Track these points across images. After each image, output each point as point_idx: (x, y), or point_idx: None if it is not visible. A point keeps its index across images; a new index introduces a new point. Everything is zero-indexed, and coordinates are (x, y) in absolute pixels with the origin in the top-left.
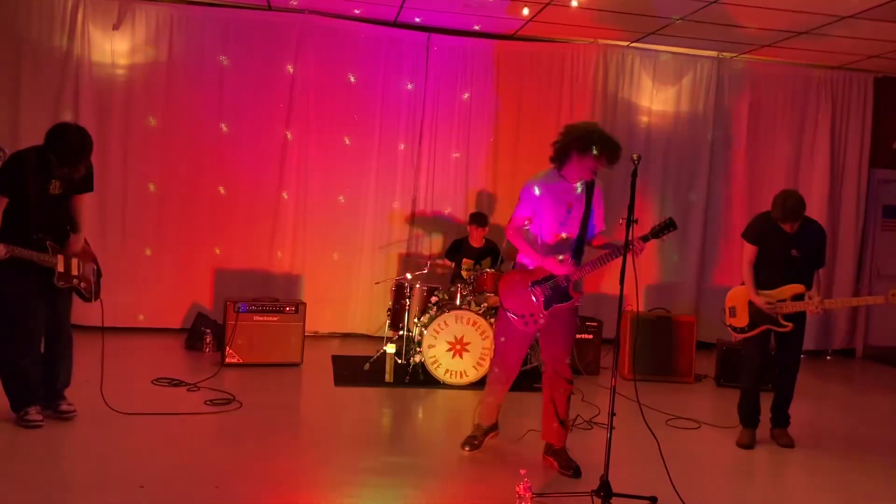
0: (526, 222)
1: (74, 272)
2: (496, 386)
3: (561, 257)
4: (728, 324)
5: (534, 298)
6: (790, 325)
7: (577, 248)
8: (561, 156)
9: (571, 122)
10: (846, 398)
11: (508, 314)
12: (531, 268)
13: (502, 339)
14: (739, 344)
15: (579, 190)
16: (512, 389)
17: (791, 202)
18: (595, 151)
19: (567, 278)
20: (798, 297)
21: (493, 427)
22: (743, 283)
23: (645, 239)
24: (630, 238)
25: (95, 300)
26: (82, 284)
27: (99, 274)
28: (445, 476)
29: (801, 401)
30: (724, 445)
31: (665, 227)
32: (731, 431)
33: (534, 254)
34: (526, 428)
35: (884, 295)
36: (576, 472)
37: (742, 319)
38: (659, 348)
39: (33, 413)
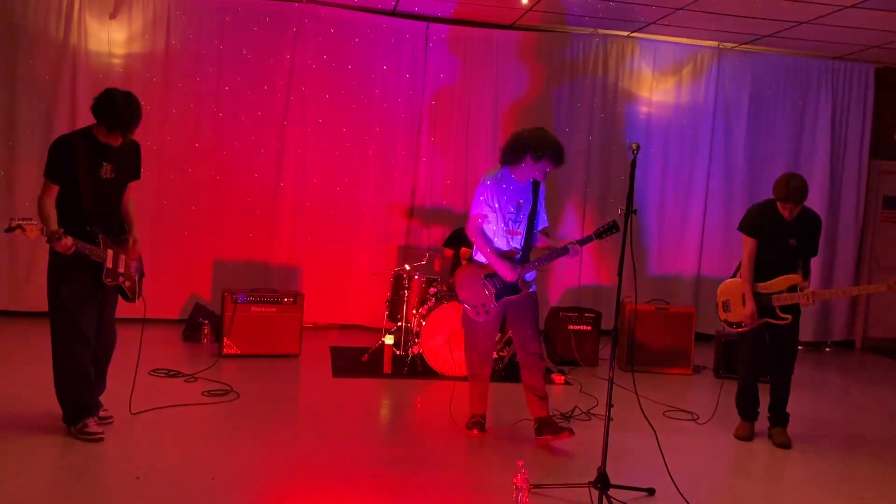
0: (481, 220)
1: (121, 269)
2: (477, 372)
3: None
4: (723, 318)
5: (486, 291)
6: (789, 317)
7: (525, 244)
8: (512, 158)
9: (571, 111)
10: (845, 390)
11: (464, 305)
12: (484, 262)
13: (468, 337)
14: (736, 335)
15: (527, 188)
16: (506, 380)
17: (795, 182)
18: (549, 157)
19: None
20: (794, 289)
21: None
22: (734, 276)
23: (582, 243)
24: (628, 228)
25: (137, 300)
26: (127, 283)
27: (142, 273)
28: (443, 467)
29: (800, 393)
30: (722, 437)
31: (608, 230)
32: (729, 423)
33: (492, 256)
34: (520, 418)
35: (886, 283)
36: (570, 430)
37: (737, 316)
38: (657, 339)
39: (93, 425)
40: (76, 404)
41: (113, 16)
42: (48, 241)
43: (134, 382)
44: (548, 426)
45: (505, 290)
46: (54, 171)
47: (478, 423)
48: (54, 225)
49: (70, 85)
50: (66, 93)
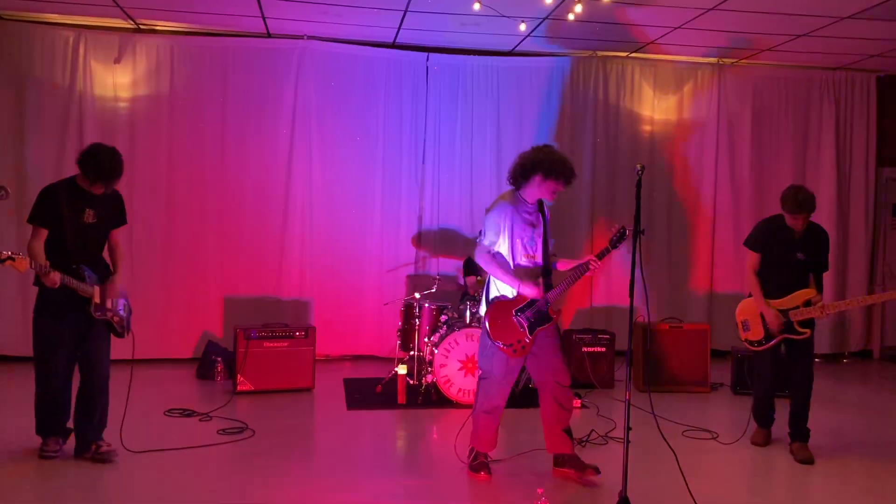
0: (491, 248)
1: (108, 305)
2: (486, 420)
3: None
4: (743, 338)
5: (518, 325)
6: (808, 331)
7: (543, 265)
8: (522, 178)
9: (574, 133)
10: (865, 401)
11: (498, 345)
12: (510, 297)
13: (488, 373)
14: (753, 351)
15: (535, 209)
16: (521, 406)
17: (802, 194)
18: (556, 175)
19: (546, 300)
20: (809, 303)
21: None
22: (750, 295)
23: (600, 256)
24: (637, 249)
25: (127, 335)
26: (115, 318)
27: (129, 310)
28: (462, 498)
29: (820, 406)
30: (743, 455)
31: (620, 237)
32: (749, 440)
33: (512, 279)
34: (537, 444)
35: None
36: (596, 469)
37: (757, 332)
38: (673, 358)
39: (51, 443)
40: (41, 424)
41: (117, 60)
42: (39, 276)
43: (123, 420)
44: (573, 462)
45: (537, 321)
46: (39, 216)
47: (484, 464)
48: (42, 260)
49: (77, 129)
50: (73, 137)
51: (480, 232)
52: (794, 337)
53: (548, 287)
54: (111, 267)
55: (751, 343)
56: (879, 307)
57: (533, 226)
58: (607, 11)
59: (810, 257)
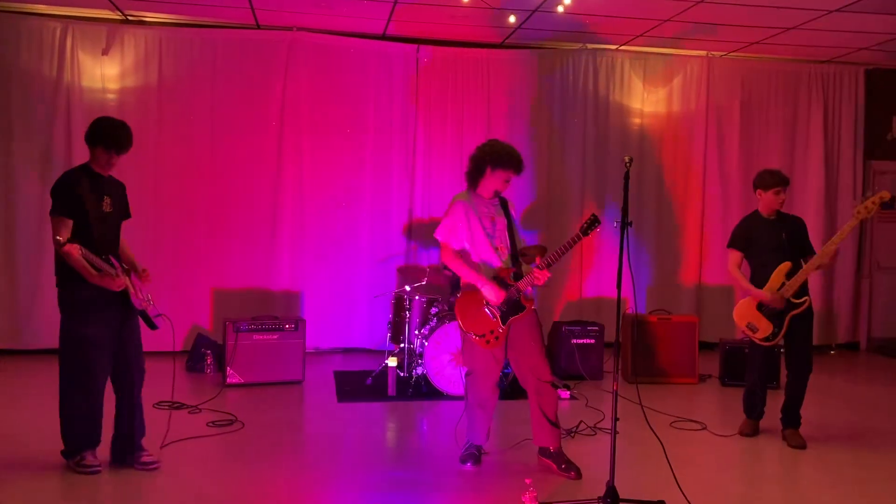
0: (453, 245)
1: (141, 295)
2: (478, 413)
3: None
4: (757, 339)
5: (490, 316)
6: (806, 298)
7: (512, 256)
8: (475, 174)
9: (564, 126)
10: (853, 392)
11: (470, 335)
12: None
13: (471, 368)
14: (745, 343)
15: (496, 205)
16: (511, 398)
17: (774, 169)
18: (503, 163)
19: (517, 289)
20: (791, 274)
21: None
22: (745, 296)
23: (570, 244)
24: (625, 240)
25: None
26: (150, 308)
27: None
28: (451, 489)
29: (808, 397)
30: (730, 446)
31: (591, 225)
32: (737, 431)
33: (476, 277)
34: (526, 436)
35: (855, 218)
36: (578, 472)
37: (765, 328)
38: (662, 350)
39: (90, 458)
40: (78, 438)
41: (105, 52)
42: (102, 279)
43: (169, 421)
44: (557, 458)
45: (509, 310)
46: (66, 205)
47: (472, 455)
48: (103, 263)
49: (65, 121)
50: (61, 129)
51: (436, 230)
52: (798, 311)
53: (518, 276)
54: (131, 261)
55: (766, 340)
56: (867, 299)
57: (493, 217)
58: (596, 4)
59: (792, 238)
